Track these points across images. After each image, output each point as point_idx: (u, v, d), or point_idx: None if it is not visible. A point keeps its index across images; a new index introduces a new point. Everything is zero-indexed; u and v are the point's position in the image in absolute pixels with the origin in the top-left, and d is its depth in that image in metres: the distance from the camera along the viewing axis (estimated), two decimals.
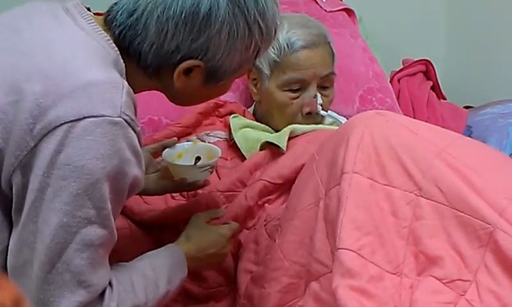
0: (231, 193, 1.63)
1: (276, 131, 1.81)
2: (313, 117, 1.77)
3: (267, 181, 1.59)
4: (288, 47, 1.75)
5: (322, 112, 1.76)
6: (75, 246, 1.09)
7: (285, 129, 1.68)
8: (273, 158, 1.65)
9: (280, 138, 1.66)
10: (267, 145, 1.69)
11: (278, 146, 1.65)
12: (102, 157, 1.06)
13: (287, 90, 1.77)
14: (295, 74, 1.75)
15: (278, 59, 1.76)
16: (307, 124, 1.77)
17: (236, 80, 1.95)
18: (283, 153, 1.63)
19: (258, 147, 1.71)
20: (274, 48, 1.76)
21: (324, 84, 1.79)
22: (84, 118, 1.05)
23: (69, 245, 1.08)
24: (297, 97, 1.77)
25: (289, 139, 1.66)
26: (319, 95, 1.76)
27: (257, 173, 1.64)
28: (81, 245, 1.09)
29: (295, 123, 1.77)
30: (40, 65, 1.08)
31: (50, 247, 1.08)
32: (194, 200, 1.65)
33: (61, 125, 1.04)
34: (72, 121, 1.04)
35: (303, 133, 1.70)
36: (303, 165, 1.56)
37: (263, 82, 1.80)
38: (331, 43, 1.81)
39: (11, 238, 1.11)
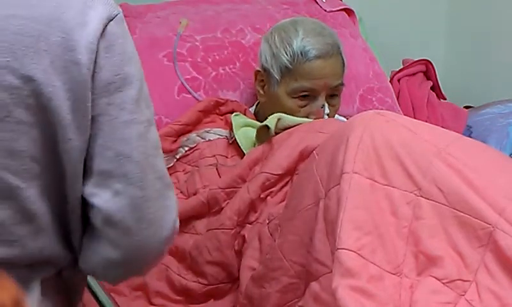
0: (231, 189, 1.63)
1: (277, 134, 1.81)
2: None
3: (269, 173, 1.59)
4: (302, 55, 1.75)
5: None
6: (152, 151, 1.05)
7: (273, 115, 1.69)
8: (271, 152, 1.65)
9: (269, 120, 1.67)
10: (264, 138, 1.69)
11: (268, 128, 1.65)
12: (133, 55, 1.04)
13: (296, 97, 1.77)
14: (306, 83, 1.76)
15: (290, 66, 1.76)
16: None
17: (237, 79, 1.98)
18: (280, 147, 1.63)
19: (254, 138, 1.71)
20: (287, 55, 1.76)
21: (333, 92, 1.80)
22: (106, 25, 1.00)
23: (148, 152, 1.05)
24: (305, 105, 1.78)
25: (283, 129, 1.67)
26: (326, 105, 1.77)
27: (256, 168, 1.64)
28: (155, 148, 1.06)
29: None
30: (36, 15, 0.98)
31: (136, 163, 1.03)
32: (195, 198, 1.65)
33: (93, 45, 0.98)
34: (98, 37, 0.99)
35: (295, 125, 1.70)
36: (301, 153, 1.57)
37: (271, 86, 1.80)
38: (342, 52, 1.82)
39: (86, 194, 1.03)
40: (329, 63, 1.77)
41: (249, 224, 1.60)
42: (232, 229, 1.59)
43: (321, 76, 1.76)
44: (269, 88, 1.81)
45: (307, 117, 1.77)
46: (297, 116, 1.77)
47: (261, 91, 1.85)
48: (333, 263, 1.21)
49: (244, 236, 1.58)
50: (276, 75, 1.78)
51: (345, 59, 1.83)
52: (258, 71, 1.84)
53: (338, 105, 1.83)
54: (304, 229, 1.33)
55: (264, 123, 1.68)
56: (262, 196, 1.60)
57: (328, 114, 1.77)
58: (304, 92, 1.77)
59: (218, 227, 1.60)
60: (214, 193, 1.63)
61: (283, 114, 1.71)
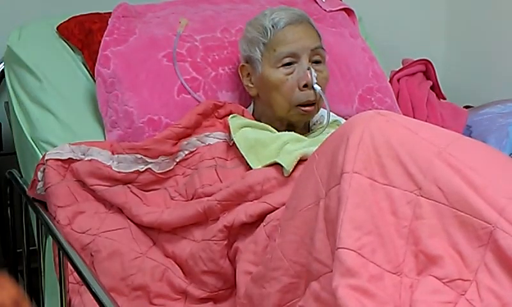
0: (228, 202, 1.63)
1: (277, 130, 1.80)
2: (310, 91, 1.78)
3: (271, 206, 1.57)
4: (273, 27, 1.81)
5: (316, 86, 1.77)
6: None
7: (296, 153, 1.64)
8: (278, 180, 1.62)
9: (288, 161, 1.62)
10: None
11: (283, 166, 1.62)
12: None
13: (281, 66, 1.80)
14: (284, 48, 1.79)
15: (266, 41, 1.81)
16: (305, 102, 1.79)
17: (235, 80, 1.98)
18: (289, 176, 1.61)
19: (263, 164, 1.68)
20: (261, 33, 1.82)
21: (315, 58, 1.82)
22: None
23: None
24: (292, 72, 1.80)
25: (298, 162, 1.62)
26: (312, 69, 1.79)
27: (257, 187, 1.62)
28: None
29: (293, 101, 1.78)
30: None
31: None
32: (193, 207, 1.65)
33: None
34: None
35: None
36: None
37: (256, 70, 1.83)
38: (315, 26, 1.87)
39: None
40: (300, 28, 1.82)
41: (243, 235, 1.59)
42: (224, 240, 1.59)
43: (296, 39, 1.80)
44: (255, 74, 1.84)
45: (297, 84, 1.78)
46: (286, 86, 1.79)
47: (250, 84, 1.86)
48: (333, 263, 1.21)
49: (237, 247, 1.57)
50: (257, 56, 1.82)
51: (320, 33, 1.87)
52: (243, 65, 1.87)
53: (326, 72, 1.84)
54: (305, 229, 1.33)
55: (282, 162, 1.62)
56: (256, 221, 1.58)
57: (316, 77, 1.78)
58: (285, 58, 1.79)
59: (211, 238, 1.59)
60: (211, 204, 1.62)
61: (306, 150, 1.63)
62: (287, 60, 1.79)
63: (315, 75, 1.78)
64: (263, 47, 1.81)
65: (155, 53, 1.95)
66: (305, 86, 1.78)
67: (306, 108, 1.80)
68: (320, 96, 1.79)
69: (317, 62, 1.82)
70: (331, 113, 1.89)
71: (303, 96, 1.79)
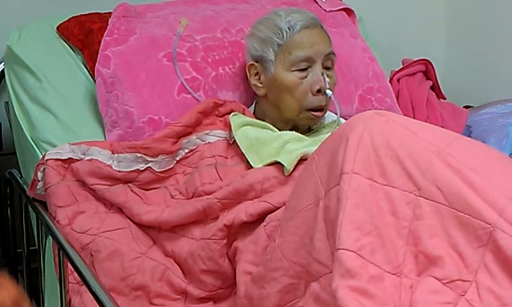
0: (228, 201, 1.63)
1: (278, 128, 1.80)
2: (322, 96, 1.80)
3: (272, 205, 1.57)
4: (290, 29, 1.81)
5: (328, 92, 1.79)
6: None
7: (297, 152, 1.65)
8: (279, 179, 1.63)
9: (289, 160, 1.63)
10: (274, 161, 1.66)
11: (283, 165, 1.62)
12: None
13: (295, 70, 1.80)
14: (301, 52, 1.79)
15: (281, 42, 1.81)
16: (317, 106, 1.80)
17: (236, 79, 1.98)
18: (290, 175, 1.62)
19: (264, 163, 1.68)
20: (276, 34, 1.81)
21: (327, 63, 1.83)
22: None
23: None
24: (306, 76, 1.80)
25: (299, 161, 1.63)
26: (325, 74, 1.80)
27: (257, 185, 1.63)
28: None
29: (305, 105, 1.80)
30: None
31: None
32: (193, 205, 1.65)
33: None
34: None
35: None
36: None
37: (267, 71, 1.82)
38: (324, 28, 1.88)
39: None
40: (315, 32, 1.83)
41: (243, 234, 1.59)
42: (224, 239, 1.59)
43: (312, 43, 1.81)
44: (266, 75, 1.83)
45: (310, 88, 1.79)
46: (299, 89, 1.79)
47: (258, 84, 1.86)
48: (333, 264, 1.21)
49: (236, 246, 1.57)
50: (270, 56, 1.81)
51: (329, 34, 1.88)
52: (252, 64, 1.86)
53: (335, 78, 1.86)
54: (304, 229, 1.33)
55: (282, 161, 1.63)
56: (257, 220, 1.58)
57: (328, 83, 1.79)
58: (301, 63, 1.80)
59: (210, 237, 1.59)
60: (210, 203, 1.62)
61: (307, 150, 1.63)
62: (303, 65, 1.80)
63: (328, 80, 1.79)
64: (277, 48, 1.81)
65: (155, 53, 1.95)
66: (318, 91, 1.79)
67: (317, 113, 1.82)
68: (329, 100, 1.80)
69: (327, 68, 1.83)
70: (331, 113, 1.89)
71: (316, 101, 1.80)
